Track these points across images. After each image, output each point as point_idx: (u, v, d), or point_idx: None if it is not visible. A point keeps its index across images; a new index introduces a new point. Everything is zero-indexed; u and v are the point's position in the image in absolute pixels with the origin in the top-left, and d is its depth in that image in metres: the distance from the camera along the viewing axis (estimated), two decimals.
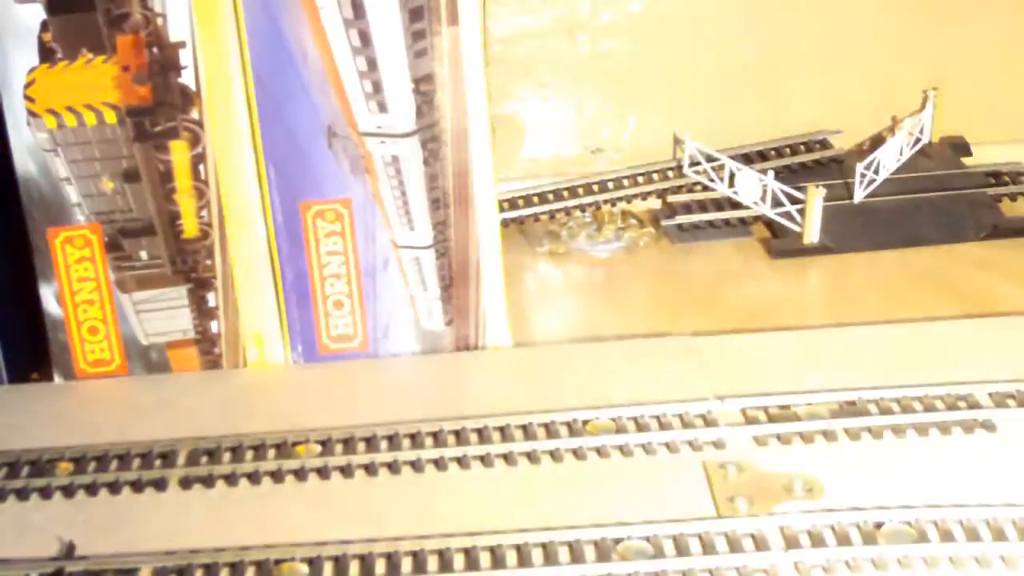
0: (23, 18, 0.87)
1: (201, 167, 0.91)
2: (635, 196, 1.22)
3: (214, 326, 0.95)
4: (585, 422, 0.83)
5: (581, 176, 1.25)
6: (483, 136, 0.92)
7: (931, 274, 1.08)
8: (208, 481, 0.79)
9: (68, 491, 0.79)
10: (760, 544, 0.70)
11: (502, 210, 1.18)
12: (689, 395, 0.86)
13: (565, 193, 1.22)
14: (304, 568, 0.70)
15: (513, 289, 1.07)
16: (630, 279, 1.12)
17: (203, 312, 0.94)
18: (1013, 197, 1.22)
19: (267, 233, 0.93)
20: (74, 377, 0.95)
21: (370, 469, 0.80)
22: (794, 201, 1.13)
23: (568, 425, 0.83)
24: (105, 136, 0.90)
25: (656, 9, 1.23)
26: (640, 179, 1.24)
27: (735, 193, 1.18)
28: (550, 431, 0.83)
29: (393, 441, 0.82)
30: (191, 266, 0.93)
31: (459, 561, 0.70)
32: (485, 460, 0.80)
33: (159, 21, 0.88)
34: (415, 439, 0.83)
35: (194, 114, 0.90)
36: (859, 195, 1.18)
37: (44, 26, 0.88)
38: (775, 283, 1.08)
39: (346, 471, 0.80)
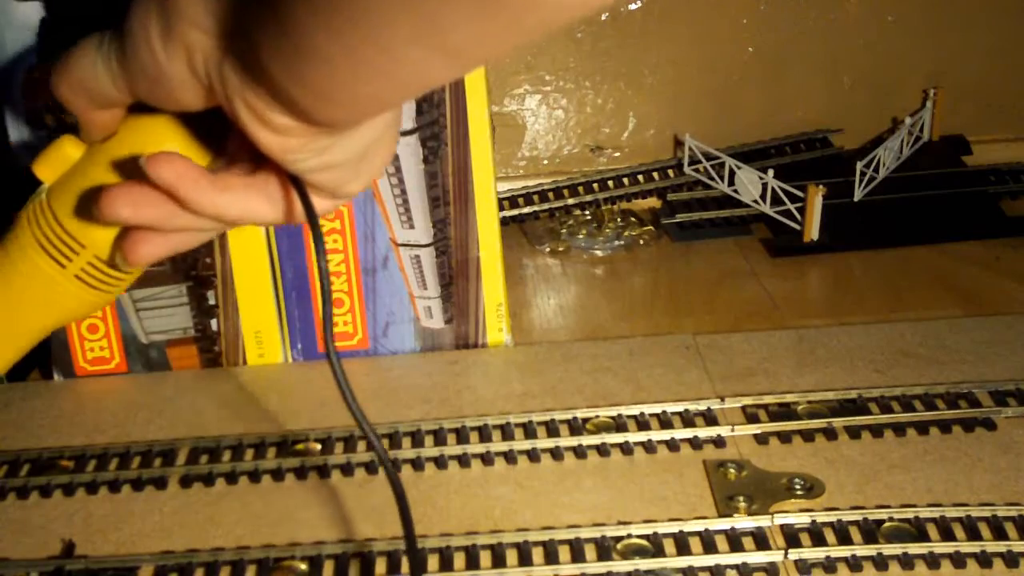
0: (23, 15, 0.87)
1: None
2: (635, 194, 1.22)
3: (214, 324, 0.95)
4: (585, 420, 0.83)
5: (581, 174, 1.25)
6: (483, 134, 0.92)
7: (931, 272, 1.08)
8: (208, 479, 0.79)
9: (68, 489, 0.79)
10: (760, 543, 0.70)
11: (502, 208, 1.18)
12: (689, 393, 0.86)
13: (565, 191, 1.22)
14: (304, 567, 0.70)
15: (513, 287, 1.07)
16: (630, 277, 1.12)
17: (203, 310, 0.94)
18: (1013, 195, 1.22)
19: (267, 231, 0.93)
20: (73, 375, 0.95)
21: (370, 468, 0.80)
22: (794, 199, 1.12)
23: (568, 423, 0.83)
24: None
25: (656, 8, 1.23)
26: (640, 177, 1.24)
27: (735, 191, 1.18)
28: (550, 429, 0.83)
29: (393, 439, 0.82)
30: (191, 264, 0.93)
31: (459, 560, 0.70)
32: (485, 458, 0.80)
33: None
34: (415, 437, 0.83)
35: None
36: (859, 193, 1.18)
37: (44, 23, 0.88)
38: (775, 281, 1.08)
39: (346, 469, 0.80)
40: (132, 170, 0.48)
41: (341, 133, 0.43)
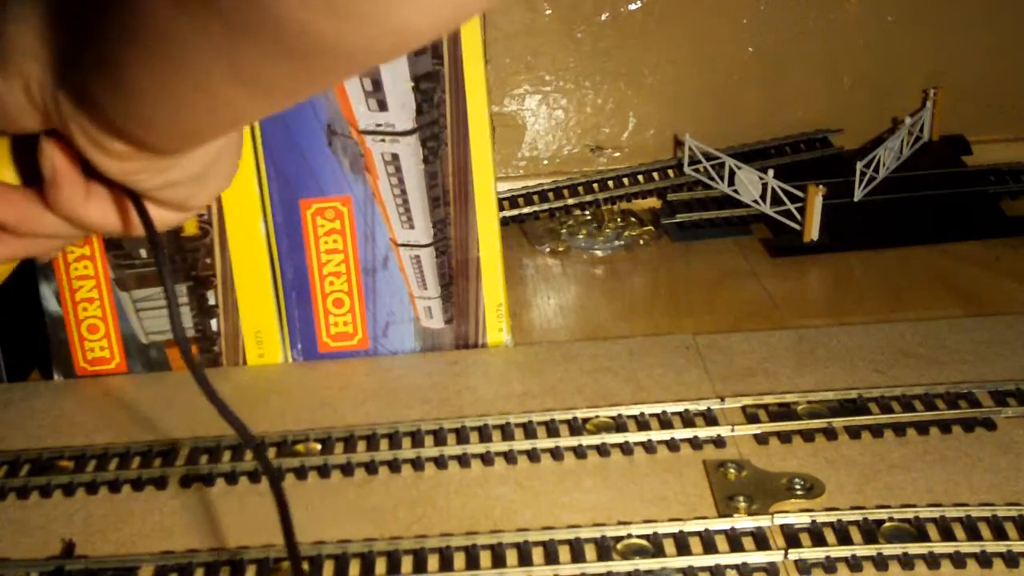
0: None
1: None
2: (635, 194, 1.22)
3: (214, 324, 0.95)
4: (585, 420, 0.83)
5: (581, 174, 1.25)
6: (483, 134, 0.92)
7: (931, 272, 1.08)
8: (208, 480, 0.79)
9: (68, 489, 0.79)
10: (760, 543, 0.70)
11: (502, 208, 1.18)
12: (689, 393, 0.86)
13: (565, 191, 1.22)
14: (304, 567, 0.70)
15: (513, 287, 1.07)
16: (630, 277, 1.12)
17: (203, 310, 0.94)
18: (1013, 195, 1.22)
19: (267, 231, 0.93)
20: (74, 375, 0.95)
21: (370, 468, 0.80)
22: (794, 199, 1.13)
23: (568, 423, 0.83)
24: None
25: (656, 8, 1.23)
26: (640, 177, 1.24)
27: (735, 191, 1.18)
28: (550, 429, 0.83)
29: (393, 439, 0.82)
30: (191, 264, 0.93)
31: (459, 560, 0.70)
32: (485, 458, 0.80)
33: None
34: (415, 437, 0.83)
35: None
36: (859, 193, 1.18)
37: None
38: (775, 281, 1.08)
39: (346, 470, 0.80)
40: None
41: (178, 156, 0.43)
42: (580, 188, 1.23)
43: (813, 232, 1.12)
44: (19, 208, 0.46)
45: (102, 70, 0.39)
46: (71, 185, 0.45)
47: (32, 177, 0.46)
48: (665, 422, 0.83)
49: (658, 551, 0.69)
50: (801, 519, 0.71)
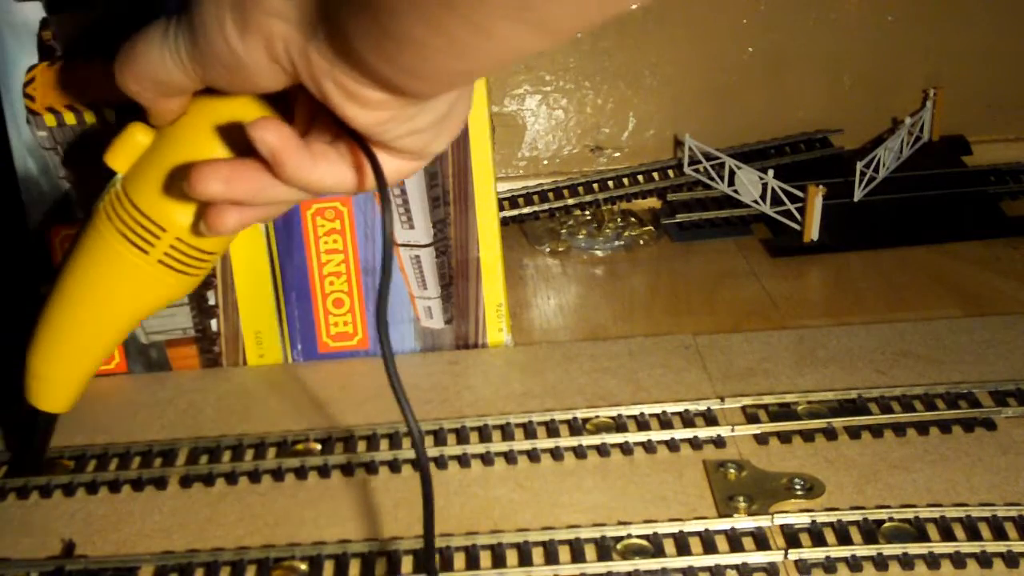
0: (23, 16, 0.87)
1: None
2: (635, 194, 1.22)
3: (214, 324, 0.95)
4: (585, 420, 0.83)
5: (581, 174, 1.25)
6: (483, 134, 0.92)
7: (931, 273, 1.08)
8: (208, 480, 0.79)
9: (68, 489, 0.79)
10: (760, 543, 0.70)
11: (502, 208, 1.18)
12: (689, 394, 0.86)
13: (565, 192, 1.22)
14: (304, 567, 0.70)
15: (513, 287, 1.07)
16: (630, 277, 1.12)
17: (203, 310, 0.94)
18: (1013, 195, 1.22)
19: (267, 231, 0.93)
20: None
21: (370, 468, 0.80)
22: (794, 199, 1.13)
23: (568, 423, 0.83)
24: (105, 134, 0.89)
25: (656, 8, 1.23)
26: (640, 177, 1.24)
27: (735, 191, 1.18)
28: (550, 429, 0.83)
29: (393, 440, 0.82)
30: None
31: (459, 560, 0.70)
32: (485, 459, 0.80)
33: None
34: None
35: None
36: (859, 194, 1.18)
37: (44, 24, 0.88)
38: (775, 281, 1.08)
39: (346, 470, 0.80)
40: (210, 148, 0.49)
41: (430, 101, 0.44)
42: (580, 188, 1.23)
43: (813, 232, 1.12)
44: (252, 182, 0.46)
45: (368, 21, 0.38)
46: (294, 157, 0.45)
47: (247, 149, 0.47)
48: (665, 422, 0.83)
49: (658, 551, 0.70)
50: (801, 519, 0.71)
